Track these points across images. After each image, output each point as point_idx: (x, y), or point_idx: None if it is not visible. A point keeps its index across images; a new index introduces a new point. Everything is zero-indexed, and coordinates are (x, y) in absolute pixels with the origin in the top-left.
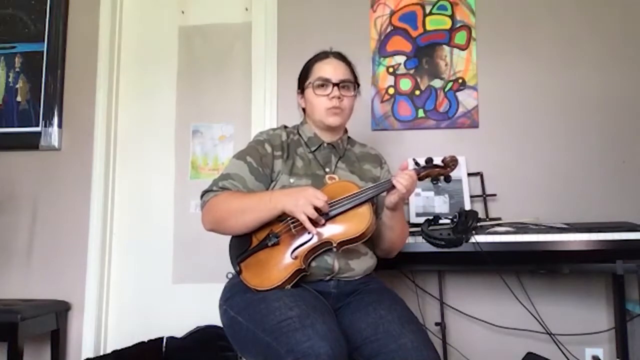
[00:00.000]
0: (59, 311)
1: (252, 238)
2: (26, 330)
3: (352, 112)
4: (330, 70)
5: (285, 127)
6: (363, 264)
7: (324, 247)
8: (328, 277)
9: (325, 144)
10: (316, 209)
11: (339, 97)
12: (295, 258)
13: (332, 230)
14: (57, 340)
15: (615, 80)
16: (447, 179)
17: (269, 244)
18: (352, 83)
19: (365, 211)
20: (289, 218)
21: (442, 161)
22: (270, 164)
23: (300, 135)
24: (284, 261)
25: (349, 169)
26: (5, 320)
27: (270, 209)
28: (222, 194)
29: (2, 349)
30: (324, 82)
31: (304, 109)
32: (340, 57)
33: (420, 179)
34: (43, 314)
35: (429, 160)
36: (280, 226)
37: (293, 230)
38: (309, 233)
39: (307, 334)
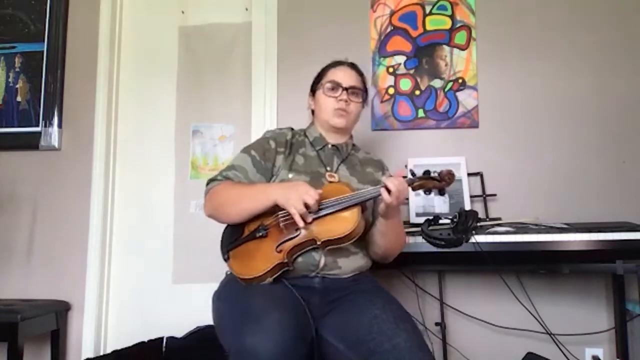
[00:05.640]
0: (59, 311)
1: (244, 229)
2: (26, 330)
3: (357, 119)
4: (342, 75)
5: (292, 129)
6: (352, 263)
7: (309, 244)
8: (313, 273)
9: (329, 145)
10: (307, 205)
11: (346, 101)
12: (280, 252)
13: (319, 229)
14: (57, 340)
15: (615, 80)
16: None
17: (257, 235)
18: (361, 91)
19: (353, 214)
20: (279, 213)
21: (439, 174)
22: (272, 158)
23: (306, 136)
24: (268, 253)
25: (349, 172)
26: (5, 320)
27: (264, 199)
28: (224, 183)
29: (2, 349)
30: (335, 85)
31: (312, 111)
32: (354, 67)
33: (413, 188)
34: (43, 314)
35: (426, 172)
36: (270, 219)
37: (281, 225)
38: (296, 230)
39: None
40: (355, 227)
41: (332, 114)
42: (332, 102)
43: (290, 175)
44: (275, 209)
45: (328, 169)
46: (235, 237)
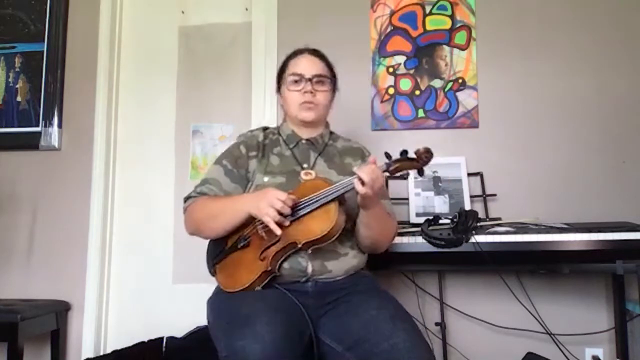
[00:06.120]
0: (59, 311)
1: (227, 241)
2: (26, 330)
3: (328, 109)
4: (303, 65)
5: (266, 128)
6: (342, 264)
7: (291, 248)
8: (304, 279)
9: (303, 141)
10: (279, 211)
11: (311, 92)
12: (263, 260)
13: (298, 231)
14: (57, 340)
15: (615, 80)
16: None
17: (239, 246)
18: (328, 78)
19: (329, 211)
20: (256, 221)
21: (415, 153)
22: (245, 164)
23: (280, 134)
24: (252, 263)
25: (327, 164)
26: (5, 320)
27: (238, 212)
28: (200, 200)
29: (2, 349)
30: (298, 78)
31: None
32: (316, 53)
33: (390, 173)
34: (43, 314)
35: (403, 153)
36: (249, 229)
37: (260, 233)
38: (276, 235)
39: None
40: (333, 225)
41: (299, 108)
42: (297, 96)
43: (265, 179)
44: (253, 217)
45: (304, 166)
46: (220, 249)
